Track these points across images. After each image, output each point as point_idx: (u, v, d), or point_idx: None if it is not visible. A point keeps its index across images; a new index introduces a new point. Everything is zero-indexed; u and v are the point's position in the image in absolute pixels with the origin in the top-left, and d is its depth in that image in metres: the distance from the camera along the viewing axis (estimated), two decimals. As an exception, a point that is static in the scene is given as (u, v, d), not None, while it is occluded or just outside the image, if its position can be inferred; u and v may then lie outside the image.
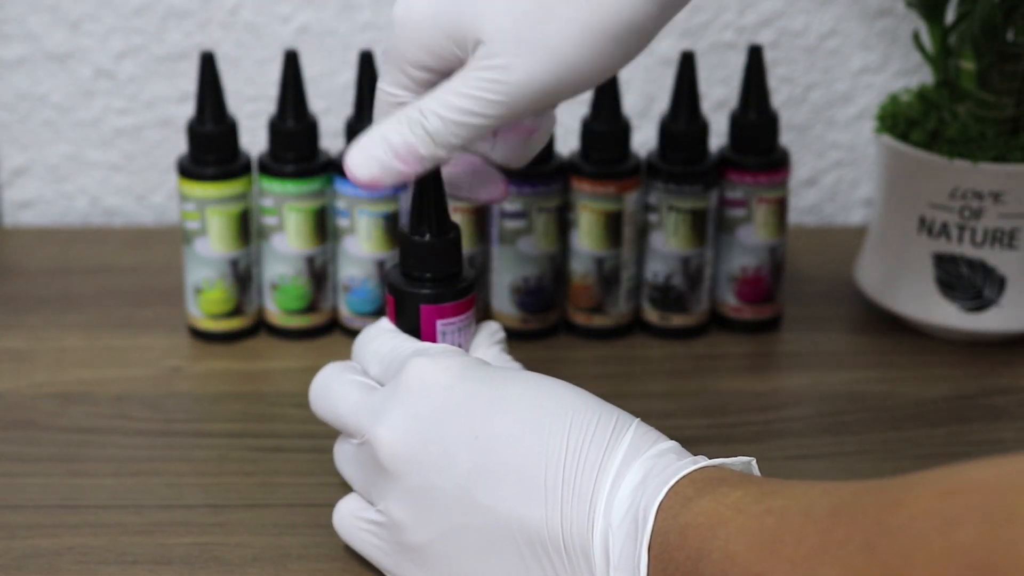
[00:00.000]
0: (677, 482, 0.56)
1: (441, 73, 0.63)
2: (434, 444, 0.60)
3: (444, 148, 0.62)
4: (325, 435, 0.76)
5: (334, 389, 0.66)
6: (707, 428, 0.77)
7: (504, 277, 0.86)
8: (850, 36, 1.01)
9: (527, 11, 0.60)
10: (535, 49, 0.60)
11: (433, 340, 0.67)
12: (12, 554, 0.66)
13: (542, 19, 0.60)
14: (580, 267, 0.85)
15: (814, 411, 0.80)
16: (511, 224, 0.84)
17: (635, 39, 0.61)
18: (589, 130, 0.84)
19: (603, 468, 0.58)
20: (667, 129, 0.84)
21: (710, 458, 0.58)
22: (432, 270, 0.67)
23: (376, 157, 0.63)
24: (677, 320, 0.86)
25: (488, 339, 0.69)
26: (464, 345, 0.68)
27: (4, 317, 0.88)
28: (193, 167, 0.83)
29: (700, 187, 0.84)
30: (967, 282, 0.84)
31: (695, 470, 0.57)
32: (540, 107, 0.62)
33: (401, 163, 0.63)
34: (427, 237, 0.67)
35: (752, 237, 0.86)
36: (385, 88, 0.65)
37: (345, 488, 0.67)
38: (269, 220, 0.84)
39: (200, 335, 0.85)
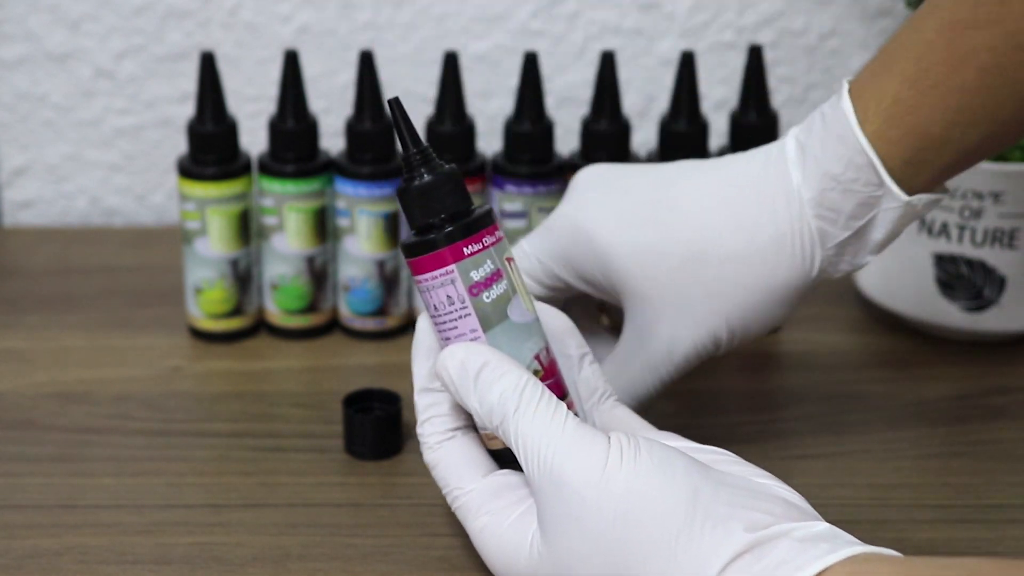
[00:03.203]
0: None
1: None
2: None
3: None
4: (325, 435, 0.76)
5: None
6: (707, 428, 0.77)
7: (504, 277, 0.85)
8: (850, 36, 1.01)
9: None
10: None
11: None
12: (12, 554, 0.66)
13: None
14: (580, 267, 0.85)
15: (814, 411, 0.80)
16: (511, 224, 0.84)
17: None
18: (589, 130, 0.84)
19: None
20: (667, 129, 0.84)
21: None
22: (445, 209, 0.62)
23: None
24: (677, 320, 0.86)
25: (595, 396, 0.66)
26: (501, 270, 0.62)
27: (4, 317, 0.88)
28: (193, 167, 0.83)
29: (700, 187, 0.84)
30: (967, 282, 0.84)
31: None
32: None
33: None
34: (425, 177, 0.62)
35: (752, 237, 0.86)
36: None
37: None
38: (269, 220, 0.84)
39: (200, 335, 0.85)
